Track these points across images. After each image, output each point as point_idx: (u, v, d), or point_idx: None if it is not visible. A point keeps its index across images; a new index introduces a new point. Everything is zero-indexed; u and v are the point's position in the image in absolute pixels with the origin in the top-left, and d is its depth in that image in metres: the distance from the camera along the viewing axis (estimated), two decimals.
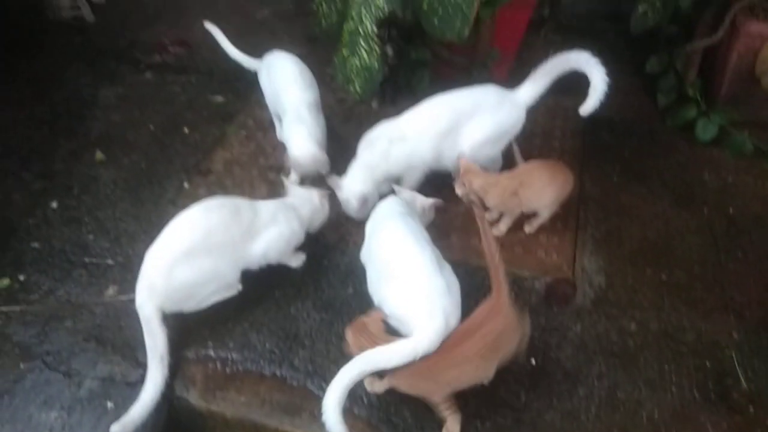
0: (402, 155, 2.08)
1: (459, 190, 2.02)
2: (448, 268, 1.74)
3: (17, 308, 2.02)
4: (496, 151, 2.19)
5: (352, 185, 2.07)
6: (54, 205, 2.34)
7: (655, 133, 2.63)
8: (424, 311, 1.58)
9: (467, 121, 2.08)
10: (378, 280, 1.74)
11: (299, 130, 2.17)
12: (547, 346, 1.88)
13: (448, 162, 2.15)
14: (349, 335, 1.63)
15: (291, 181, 2.16)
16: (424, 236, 1.80)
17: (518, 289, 2.03)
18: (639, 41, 2.61)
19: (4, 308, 2.02)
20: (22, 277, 2.11)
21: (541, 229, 2.21)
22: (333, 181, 2.10)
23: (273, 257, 1.94)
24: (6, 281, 2.10)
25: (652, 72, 2.66)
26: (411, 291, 1.64)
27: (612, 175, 2.44)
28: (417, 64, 2.49)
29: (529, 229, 2.15)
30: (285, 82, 2.30)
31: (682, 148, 2.56)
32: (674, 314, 1.96)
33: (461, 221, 2.26)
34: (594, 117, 2.10)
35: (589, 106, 2.01)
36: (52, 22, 3.09)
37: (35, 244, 2.21)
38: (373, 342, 1.57)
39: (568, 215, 2.21)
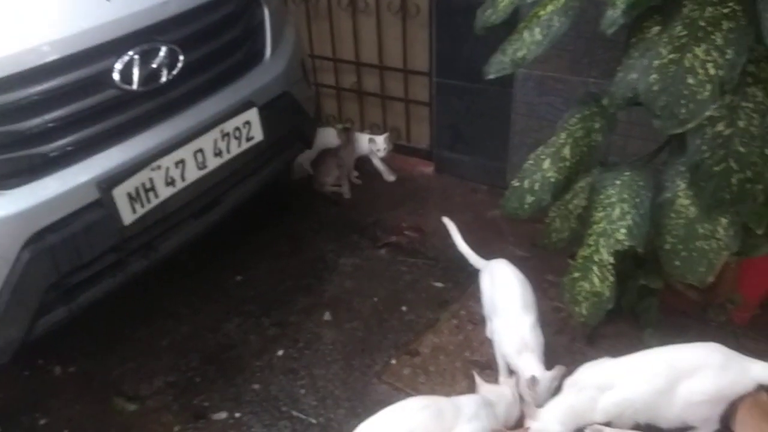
0: (612, 406, 1.98)
1: None
2: None
3: None
4: (713, 413, 1.99)
5: (550, 424, 1.98)
6: (280, 353, 2.61)
7: None
8: None
9: (687, 380, 1.94)
10: None
11: (528, 357, 2.20)
12: None
13: (662, 420, 2.01)
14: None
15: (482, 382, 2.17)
16: None
17: None
18: None
19: None
20: (237, 415, 2.34)
21: None
22: (530, 409, 2.04)
23: None
24: (224, 414, 2.34)
25: None
26: None
27: None
28: (645, 291, 2.42)
29: None
30: (508, 300, 2.37)
31: None
32: None
33: None
34: None
35: None
36: (316, 193, 3.65)
37: (256, 386, 2.46)
38: None
39: None
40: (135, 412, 2.41)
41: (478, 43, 2.29)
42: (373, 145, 3.55)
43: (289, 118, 2.98)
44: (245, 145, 2.67)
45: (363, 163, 3.75)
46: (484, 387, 2.12)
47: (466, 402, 2.01)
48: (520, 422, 2.06)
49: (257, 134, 2.71)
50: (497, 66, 2.16)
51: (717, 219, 1.91)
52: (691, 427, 2.04)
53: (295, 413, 2.33)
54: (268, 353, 2.61)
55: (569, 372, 2.10)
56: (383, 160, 3.70)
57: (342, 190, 3.62)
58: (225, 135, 2.55)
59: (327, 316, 2.80)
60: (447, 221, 2.86)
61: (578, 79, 2.98)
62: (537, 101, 3.19)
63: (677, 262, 1.98)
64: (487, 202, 3.53)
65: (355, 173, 3.75)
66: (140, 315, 2.84)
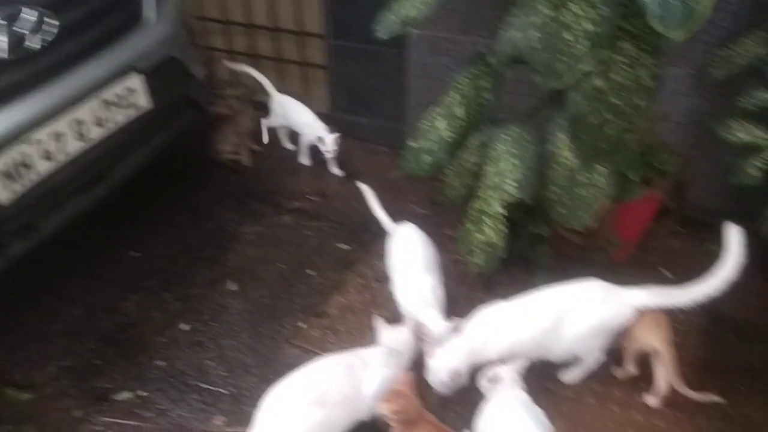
0: (504, 345, 2.11)
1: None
2: None
3: (133, 423, 2.17)
4: (597, 344, 2.17)
5: (448, 360, 2.09)
6: (184, 327, 2.55)
7: None
8: None
9: (570, 316, 2.10)
10: None
11: (430, 313, 2.28)
12: None
13: (552, 355, 2.18)
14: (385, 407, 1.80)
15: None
16: (545, 424, 1.83)
17: None
18: None
19: (121, 421, 2.17)
20: (142, 393, 2.28)
21: (655, 430, 2.09)
22: (430, 348, 2.14)
23: None
24: (128, 394, 2.28)
25: None
26: None
27: (737, 382, 2.28)
28: (536, 239, 2.57)
29: None
30: (413, 263, 2.46)
31: None
32: None
33: (569, 407, 2.19)
34: (718, 315, 2.04)
35: None
36: (214, 162, 3.54)
37: (160, 362, 2.40)
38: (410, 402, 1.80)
39: (684, 419, 2.07)
40: (30, 400, 2.29)
41: (374, 4, 2.29)
42: (322, 144, 3.38)
43: (178, 84, 2.85)
44: (131, 114, 2.54)
45: (260, 129, 3.66)
46: (386, 333, 2.18)
47: (372, 354, 2.08)
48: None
49: (143, 102, 2.58)
50: (387, 25, 2.16)
51: (595, 168, 2.05)
52: (579, 359, 2.23)
53: (204, 385, 2.30)
54: (171, 329, 2.54)
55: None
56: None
57: (241, 157, 3.53)
58: (106, 103, 2.41)
59: (232, 286, 2.76)
60: (363, 187, 2.88)
61: (468, 39, 3.05)
62: (431, 62, 3.23)
63: (561, 210, 2.12)
64: (387, 163, 3.58)
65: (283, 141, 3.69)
66: (27, 300, 2.67)
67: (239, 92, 3.60)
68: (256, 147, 3.63)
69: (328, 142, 3.32)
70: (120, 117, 2.51)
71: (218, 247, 2.99)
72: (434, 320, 2.25)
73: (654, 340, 2.09)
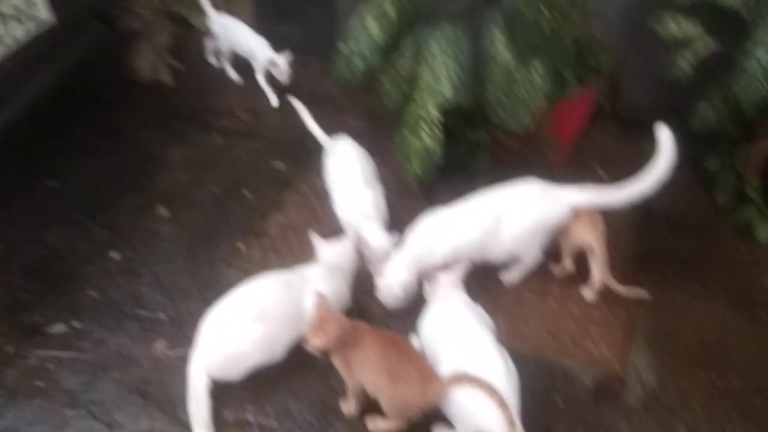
0: (447, 250, 2.11)
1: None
2: (505, 353, 1.77)
3: (69, 354, 2.08)
4: (535, 243, 2.21)
5: (397, 274, 2.09)
6: (114, 255, 2.44)
7: (713, 231, 2.59)
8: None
9: (509, 216, 2.12)
10: (438, 363, 1.77)
11: (371, 227, 2.25)
12: None
13: (492, 256, 2.20)
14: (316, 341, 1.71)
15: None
16: (486, 322, 1.86)
17: (565, 381, 1.99)
18: (699, 136, 2.62)
19: (57, 353, 2.08)
20: (77, 324, 2.18)
21: (591, 320, 2.18)
22: (376, 267, 2.12)
23: None
24: (62, 327, 2.18)
25: (711, 169, 2.64)
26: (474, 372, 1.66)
27: (667, 271, 2.39)
28: (476, 146, 2.55)
29: None
30: (351, 177, 2.40)
31: (741, 248, 2.51)
32: (728, 424, 1.89)
33: (509, 305, 2.25)
34: (650, 209, 2.10)
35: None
36: (133, 83, 3.30)
37: (93, 293, 2.29)
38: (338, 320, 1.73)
39: (619, 309, 2.17)
40: None
41: None
42: (275, 67, 3.11)
43: None
44: (31, 29, 2.29)
45: (182, 46, 3.42)
46: (323, 247, 2.14)
47: (311, 270, 2.04)
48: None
49: (44, 14, 2.32)
50: None
51: (532, 65, 2.01)
52: (519, 260, 2.27)
53: (141, 312, 2.22)
54: (100, 258, 2.42)
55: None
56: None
57: (161, 75, 3.29)
58: (2, 17, 2.16)
59: (162, 211, 2.63)
60: (296, 102, 2.75)
61: None
62: None
63: (500, 112, 2.09)
64: (320, 76, 3.42)
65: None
66: None
67: (153, 4, 3.32)
68: (176, 64, 3.39)
69: (282, 64, 3.09)
70: (19, 32, 2.26)
71: (144, 172, 2.82)
72: (376, 233, 2.22)
73: (589, 237, 2.14)
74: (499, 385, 1.62)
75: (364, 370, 1.74)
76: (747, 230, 2.53)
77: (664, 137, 2.05)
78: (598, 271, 2.17)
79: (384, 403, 1.76)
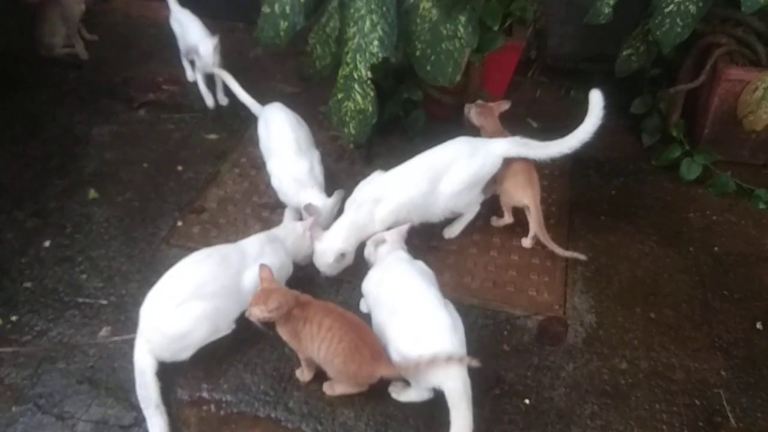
0: (387, 215, 2.13)
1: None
2: (451, 306, 1.80)
3: (9, 349, 2.00)
4: (472, 197, 2.26)
5: (334, 242, 2.09)
6: (47, 244, 2.34)
7: (640, 173, 2.70)
8: (433, 350, 1.65)
9: (445, 175, 2.15)
10: (385, 322, 1.79)
11: (310, 192, 2.24)
12: (540, 385, 1.90)
13: (432, 216, 2.24)
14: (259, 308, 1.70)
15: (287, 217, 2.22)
16: (430, 277, 1.88)
17: (511, 327, 2.06)
18: (624, 82, 2.70)
19: None
20: (14, 318, 2.09)
21: (532, 268, 2.26)
22: (316, 231, 2.12)
23: None
24: None
25: (637, 113, 2.74)
26: (419, 328, 1.71)
27: (600, 214, 2.49)
28: (410, 104, 2.55)
29: None
30: (283, 144, 2.34)
31: (668, 187, 2.63)
32: (664, 353, 2.00)
33: (453, 259, 2.29)
34: (581, 156, 2.17)
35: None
36: (46, 60, 3.11)
37: (28, 284, 2.20)
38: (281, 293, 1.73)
39: (557, 254, 2.25)
40: None
41: None
42: (203, 47, 2.78)
43: None
44: None
45: (94, 16, 3.23)
46: (284, 222, 2.16)
47: (249, 243, 2.01)
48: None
49: None
50: None
51: (457, 18, 2.00)
52: (458, 215, 2.31)
53: (81, 300, 2.15)
54: (32, 247, 2.32)
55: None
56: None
57: (76, 49, 3.11)
58: None
59: (93, 193, 2.53)
60: (221, 72, 2.65)
61: None
62: None
63: (428, 67, 2.08)
64: (246, 40, 3.32)
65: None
66: None
67: None
68: (90, 36, 3.21)
69: (209, 45, 2.77)
70: None
71: (68, 154, 2.69)
72: (315, 197, 2.21)
73: (525, 197, 2.21)
74: (445, 339, 1.67)
75: (313, 344, 1.75)
76: (672, 169, 2.64)
77: (596, 102, 2.10)
78: (534, 227, 2.24)
79: (332, 375, 1.79)
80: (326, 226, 2.15)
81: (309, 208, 2.15)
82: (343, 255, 2.09)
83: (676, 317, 2.11)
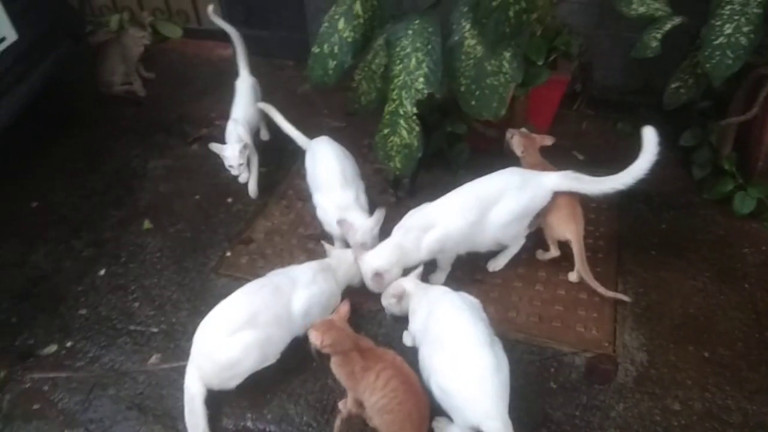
0: (435, 243, 2.13)
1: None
2: (498, 344, 1.78)
3: (63, 375, 2.08)
4: (519, 229, 2.25)
5: (373, 260, 2.11)
6: (102, 272, 2.43)
7: (691, 207, 2.63)
8: (476, 389, 1.64)
9: (494, 205, 2.14)
10: (431, 355, 1.78)
11: (355, 214, 2.29)
12: (589, 425, 1.84)
13: (479, 246, 2.23)
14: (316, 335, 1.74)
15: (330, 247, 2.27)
16: (479, 313, 1.86)
17: (558, 364, 2.02)
18: (672, 114, 2.65)
19: (51, 374, 2.08)
20: (69, 344, 2.18)
21: (579, 303, 2.22)
22: (358, 251, 2.15)
23: (314, 317, 1.97)
24: (54, 347, 2.17)
25: (687, 145, 2.68)
26: (462, 366, 1.69)
27: (650, 248, 2.43)
28: (454, 138, 2.57)
29: None
30: (330, 176, 2.39)
31: (720, 221, 2.55)
32: (719, 394, 1.92)
33: (498, 293, 2.27)
34: (630, 190, 2.13)
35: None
36: (106, 97, 3.27)
37: (83, 311, 2.29)
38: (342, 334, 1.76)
39: (606, 289, 2.20)
40: None
41: None
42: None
43: (47, 9, 2.55)
44: None
45: (152, 55, 3.39)
46: (330, 251, 2.21)
47: (301, 271, 2.06)
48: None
49: (7, 32, 2.30)
50: None
51: (501, 54, 2.02)
52: (503, 248, 2.29)
53: (133, 327, 2.22)
54: (88, 276, 2.42)
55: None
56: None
57: (135, 87, 3.27)
58: None
59: (147, 224, 2.63)
60: (267, 107, 2.74)
61: None
62: None
63: (473, 102, 2.10)
64: (295, 77, 3.43)
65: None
66: None
67: (121, 16, 3.30)
68: (147, 74, 3.37)
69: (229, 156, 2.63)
70: None
71: (125, 187, 2.81)
72: (355, 217, 2.25)
73: (567, 231, 2.18)
74: (486, 380, 1.64)
75: (370, 395, 1.75)
76: (725, 203, 2.57)
77: (649, 138, 2.08)
78: (577, 263, 2.21)
79: (374, 423, 1.79)
80: (371, 247, 2.18)
81: (342, 223, 2.20)
82: (379, 275, 2.10)
83: (732, 357, 2.02)
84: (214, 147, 2.57)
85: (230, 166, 2.60)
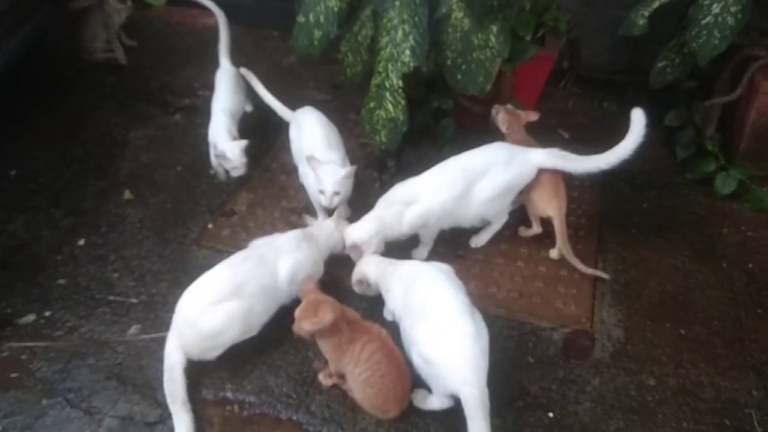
0: (417, 217, 2.13)
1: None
2: (478, 315, 1.79)
3: (42, 344, 2.06)
4: (503, 205, 2.25)
5: (352, 231, 2.12)
6: (81, 242, 2.40)
7: (674, 186, 2.65)
8: (456, 356, 1.66)
9: (479, 180, 2.14)
10: (413, 326, 1.78)
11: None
12: (564, 399, 1.87)
13: (462, 221, 2.23)
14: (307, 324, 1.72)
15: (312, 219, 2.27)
16: (455, 281, 1.87)
17: (536, 339, 2.04)
18: (658, 94, 2.65)
19: (29, 344, 2.06)
20: (47, 313, 2.16)
21: (559, 279, 2.23)
22: (341, 224, 2.15)
23: (298, 283, 1.97)
24: (32, 317, 2.15)
25: (671, 125, 2.69)
26: (443, 334, 1.70)
27: (631, 227, 2.45)
28: (440, 113, 2.55)
29: None
30: (316, 145, 2.34)
31: (701, 201, 2.57)
32: (693, 370, 1.95)
33: (479, 269, 2.28)
34: (613, 169, 2.14)
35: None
36: (87, 64, 3.20)
37: (61, 281, 2.27)
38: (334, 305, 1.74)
39: (585, 266, 2.22)
40: None
41: None
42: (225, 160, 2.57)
43: None
44: None
45: (134, 23, 3.32)
46: (314, 222, 2.21)
47: (285, 239, 2.06)
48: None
49: None
50: None
51: (488, 28, 2.00)
52: (486, 224, 2.30)
53: (112, 297, 2.20)
54: (67, 245, 2.39)
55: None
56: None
57: (116, 55, 3.20)
58: None
59: (127, 194, 2.60)
60: (248, 74, 2.69)
61: None
62: None
63: (459, 76, 2.08)
64: (281, 49, 3.37)
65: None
66: None
67: None
68: (130, 42, 3.30)
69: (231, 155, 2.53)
70: None
71: (105, 155, 2.77)
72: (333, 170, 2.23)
73: (549, 208, 2.19)
74: (466, 347, 1.66)
75: (354, 368, 1.76)
76: (707, 183, 2.59)
77: (637, 120, 2.08)
78: (558, 240, 2.22)
79: (356, 396, 1.80)
80: (343, 195, 2.20)
81: (311, 160, 2.18)
82: (356, 246, 2.10)
83: (707, 334, 2.06)
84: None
85: (234, 168, 2.51)
